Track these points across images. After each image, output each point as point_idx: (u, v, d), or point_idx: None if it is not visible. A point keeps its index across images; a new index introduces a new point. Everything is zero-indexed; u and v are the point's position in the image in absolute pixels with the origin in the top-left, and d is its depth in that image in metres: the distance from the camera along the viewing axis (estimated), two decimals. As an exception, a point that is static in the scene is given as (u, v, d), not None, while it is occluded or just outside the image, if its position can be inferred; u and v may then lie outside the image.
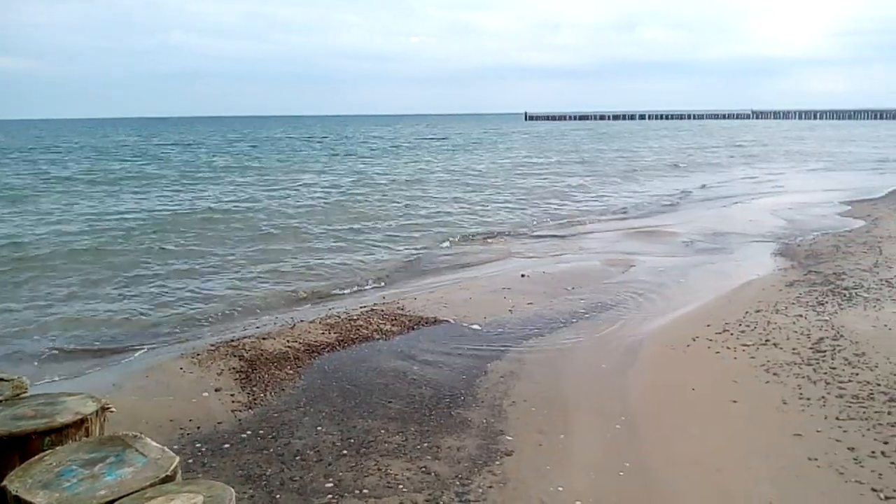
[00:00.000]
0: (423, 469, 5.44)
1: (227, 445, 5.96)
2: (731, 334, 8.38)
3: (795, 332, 8.30)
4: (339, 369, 7.74)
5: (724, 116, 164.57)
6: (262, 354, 8.06)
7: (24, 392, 2.97)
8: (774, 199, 23.02)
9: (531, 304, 10.31)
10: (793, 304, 9.54)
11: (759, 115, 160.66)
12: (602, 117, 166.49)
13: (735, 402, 6.52)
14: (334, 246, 16.46)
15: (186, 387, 7.24)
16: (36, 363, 8.75)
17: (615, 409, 6.54)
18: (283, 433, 6.17)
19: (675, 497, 5.01)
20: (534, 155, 49.04)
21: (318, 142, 74.06)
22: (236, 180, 31.49)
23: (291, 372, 7.64)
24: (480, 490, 5.12)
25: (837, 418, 5.99)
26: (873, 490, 4.86)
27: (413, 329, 9.20)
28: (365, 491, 5.14)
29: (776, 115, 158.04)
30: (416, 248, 16.09)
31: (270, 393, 7.08)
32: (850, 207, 19.92)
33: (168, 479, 2.37)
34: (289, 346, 8.36)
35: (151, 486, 2.31)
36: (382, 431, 6.15)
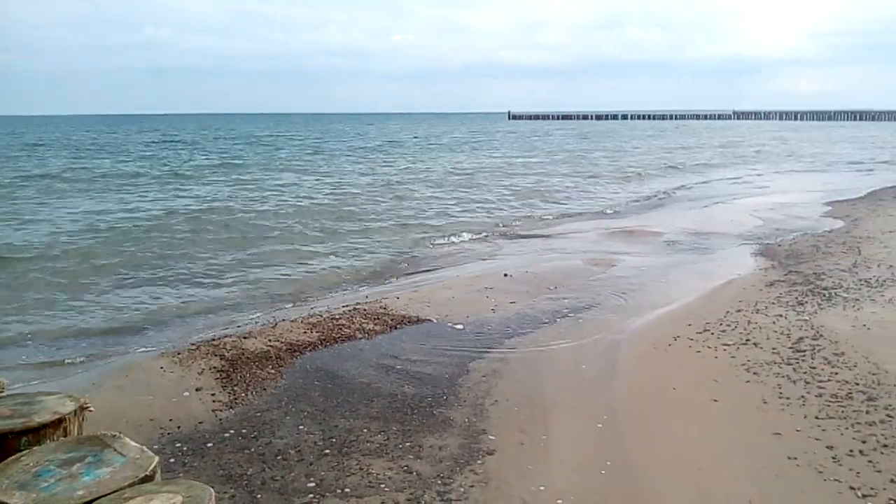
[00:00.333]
0: (405, 468, 5.44)
1: (207, 445, 5.92)
2: (712, 334, 8.43)
3: (776, 331, 8.36)
4: (322, 368, 7.71)
5: (705, 117, 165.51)
6: (243, 354, 8.02)
7: (1, 392, 2.95)
8: (756, 199, 23.19)
9: (514, 303, 10.32)
10: (773, 303, 9.61)
11: (740, 115, 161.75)
12: (585, 117, 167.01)
13: (716, 401, 6.56)
14: (317, 245, 16.42)
15: (167, 386, 7.20)
16: (14, 363, 8.66)
17: (597, 407, 6.56)
18: (265, 433, 6.14)
19: (657, 496, 5.03)
20: (518, 154, 49.12)
21: (301, 140, 73.77)
22: (217, 179, 31.29)
23: (273, 371, 7.61)
24: (462, 489, 5.12)
25: (817, 417, 6.04)
26: (851, 488, 4.90)
27: (396, 328, 9.19)
28: (347, 490, 5.12)
29: (757, 115, 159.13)
30: (399, 248, 16.08)
31: (252, 392, 7.05)
32: (830, 208, 20.11)
33: (147, 479, 2.36)
34: (270, 346, 8.32)
35: (130, 486, 2.30)
36: (364, 431, 6.14)
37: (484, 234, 17.79)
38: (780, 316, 8.97)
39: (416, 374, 7.55)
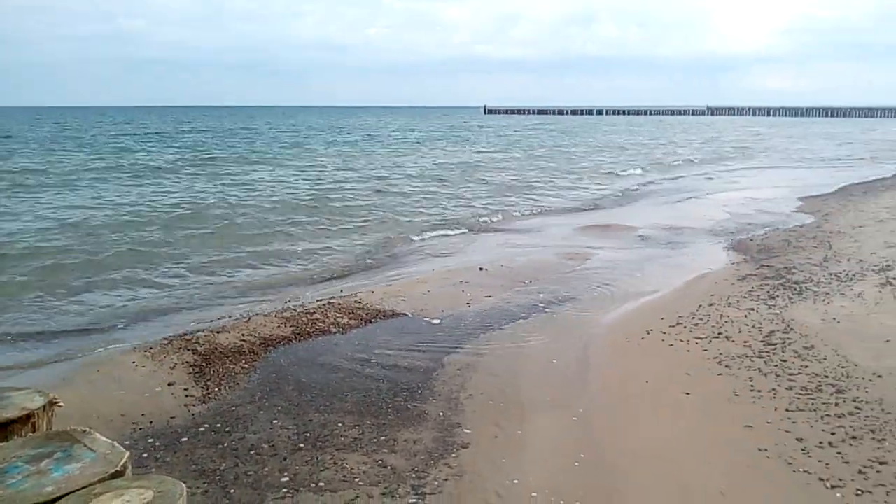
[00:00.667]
0: (380, 462, 5.43)
1: (180, 440, 5.88)
2: (685, 327, 8.50)
3: (747, 325, 8.45)
4: (296, 363, 7.68)
5: (679, 112, 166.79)
6: (216, 348, 7.96)
7: (-32, 387, 2.90)
8: (729, 194, 23.41)
9: (489, 297, 10.35)
10: (745, 297, 9.71)
11: (714, 111, 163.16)
12: (561, 112, 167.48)
13: (688, 394, 6.62)
14: (291, 239, 16.34)
15: (139, 381, 7.13)
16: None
17: (571, 401, 6.60)
18: (238, 427, 6.11)
19: (630, 488, 5.07)
20: (494, 149, 49.13)
21: (277, 133, 73.23)
22: (190, 174, 30.92)
23: (246, 366, 7.57)
24: (436, 483, 5.13)
25: (787, 410, 6.12)
26: (820, 479, 4.97)
27: (371, 322, 9.17)
28: (321, 484, 5.11)
29: (731, 111, 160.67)
30: (374, 242, 16.04)
31: (225, 387, 7.00)
32: (802, 203, 20.34)
33: (118, 475, 2.33)
34: (244, 340, 8.27)
35: (100, 481, 2.27)
36: (339, 425, 6.13)
37: (459, 228, 17.79)
38: (752, 310, 9.07)
39: (391, 368, 7.55)
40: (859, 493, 4.78)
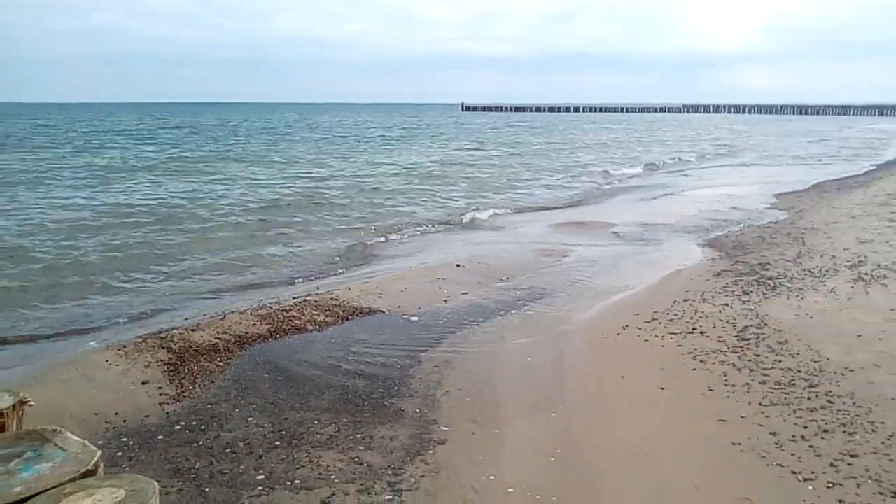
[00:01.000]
0: (356, 460, 5.42)
1: (155, 439, 5.84)
2: (660, 323, 8.55)
3: (721, 320, 8.52)
4: (271, 361, 7.64)
5: (656, 110, 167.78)
6: (191, 346, 7.90)
7: (-65, 387, 2.86)
8: (704, 191, 23.60)
9: (466, 293, 10.35)
10: (719, 293, 9.79)
11: (690, 108, 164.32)
12: (538, 109, 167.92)
13: (663, 388, 6.67)
14: (267, 237, 16.23)
15: (112, 380, 7.06)
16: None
17: (547, 396, 6.62)
18: (213, 426, 6.07)
19: (605, 483, 5.09)
20: (472, 146, 49.19)
21: (259, 130, 72.79)
22: (167, 170, 30.72)
23: (221, 364, 7.52)
24: (413, 479, 5.13)
25: (761, 404, 6.17)
26: (793, 472, 5.02)
27: (347, 320, 9.15)
28: (297, 482, 5.10)
29: (706, 108, 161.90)
30: (351, 239, 15.99)
31: (200, 385, 6.96)
32: (776, 200, 20.54)
33: (89, 474, 2.31)
34: (219, 338, 8.22)
35: (71, 481, 2.25)
36: (315, 423, 6.11)
37: (436, 225, 17.80)
38: (726, 305, 9.14)
39: (368, 365, 7.53)
40: (830, 485, 4.83)
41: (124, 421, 6.17)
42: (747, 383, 6.63)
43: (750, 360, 7.18)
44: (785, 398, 6.27)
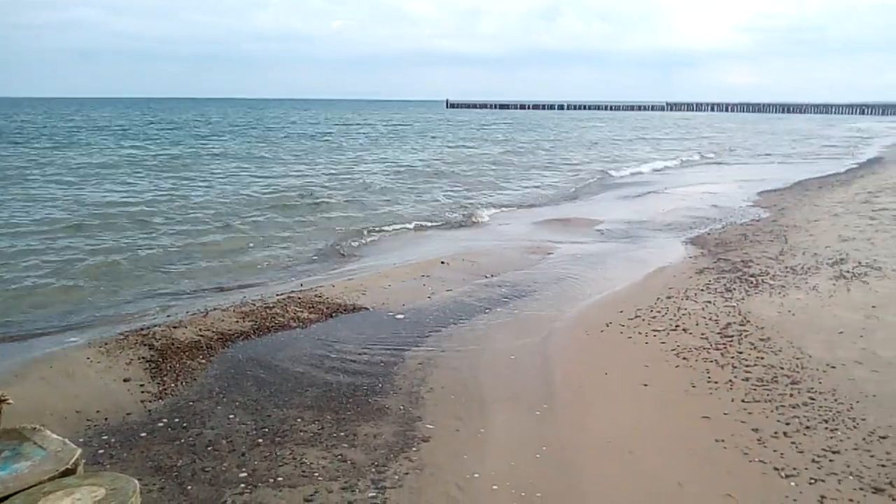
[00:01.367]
0: (339, 457, 5.40)
1: (137, 436, 5.79)
2: (643, 320, 8.58)
3: (704, 317, 8.55)
4: (254, 358, 7.60)
5: (640, 108, 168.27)
6: (173, 343, 7.84)
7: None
8: (688, 189, 23.71)
9: (450, 290, 10.34)
10: (702, 290, 9.83)
11: (672, 106, 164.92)
12: (523, 106, 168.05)
13: (646, 385, 6.68)
14: (249, 235, 16.14)
15: (94, 377, 6.99)
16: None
17: (531, 393, 6.62)
18: (195, 423, 6.02)
19: (590, 480, 5.09)
20: (457, 143, 49.15)
21: (234, 126, 72.33)
22: (146, 168, 30.43)
23: (204, 361, 7.46)
24: (397, 476, 5.11)
25: (743, 401, 6.20)
26: (775, 469, 5.05)
27: (331, 317, 9.11)
28: (280, 480, 5.07)
29: (689, 106, 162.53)
30: (334, 237, 15.93)
31: (182, 383, 6.90)
32: (759, 198, 20.66)
33: (69, 473, 2.29)
34: (201, 335, 8.16)
35: (50, 479, 2.22)
36: (298, 420, 6.08)
37: (421, 223, 17.76)
38: (709, 302, 9.18)
39: (352, 362, 7.50)
40: (812, 481, 4.86)
41: (106, 419, 6.11)
42: (730, 380, 6.66)
43: (733, 357, 7.21)
44: (767, 395, 6.31)
